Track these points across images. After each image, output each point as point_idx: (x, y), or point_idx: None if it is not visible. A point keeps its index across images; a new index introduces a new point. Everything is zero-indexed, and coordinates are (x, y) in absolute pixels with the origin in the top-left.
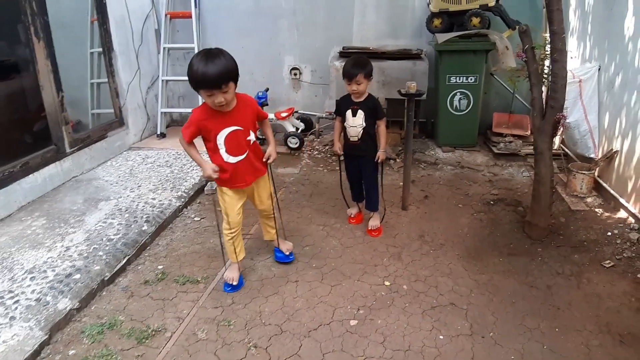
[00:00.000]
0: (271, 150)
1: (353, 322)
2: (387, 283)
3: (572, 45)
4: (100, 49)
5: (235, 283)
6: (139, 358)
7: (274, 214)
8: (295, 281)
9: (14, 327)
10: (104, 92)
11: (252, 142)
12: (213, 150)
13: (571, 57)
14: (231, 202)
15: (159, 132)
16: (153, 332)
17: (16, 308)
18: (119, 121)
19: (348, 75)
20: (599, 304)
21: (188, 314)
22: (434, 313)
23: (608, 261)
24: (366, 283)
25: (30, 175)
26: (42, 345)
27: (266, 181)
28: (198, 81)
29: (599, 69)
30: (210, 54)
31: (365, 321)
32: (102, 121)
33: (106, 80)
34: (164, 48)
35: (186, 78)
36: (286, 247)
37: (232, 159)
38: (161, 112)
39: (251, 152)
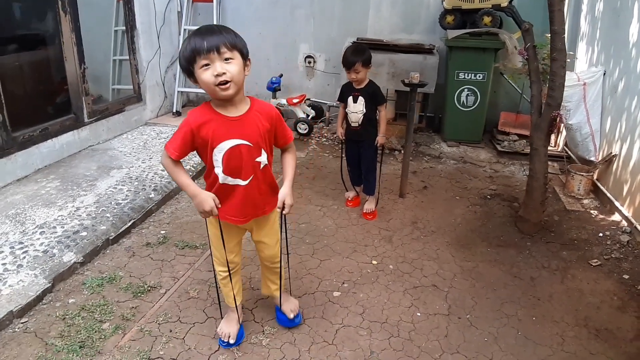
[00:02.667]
0: (286, 192)
1: (336, 294)
2: (374, 262)
3: (581, 49)
4: (124, 27)
5: (232, 341)
6: (133, 309)
7: (280, 265)
8: (286, 254)
9: (21, 273)
10: (125, 68)
11: (262, 165)
12: (208, 171)
13: (576, 58)
14: (220, 238)
15: (174, 110)
16: (149, 288)
17: (24, 257)
18: (137, 97)
19: (347, 63)
20: (580, 299)
21: (183, 275)
22: (415, 292)
23: (595, 260)
24: (354, 261)
25: (48, 141)
26: (45, 292)
27: (273, 222)
28: (191, 49)
29: (604, 74)
30: (211, 26)
31: (348, 294)
32: (121, 96)
33: (127, 57)
34: (185, 29)
35: None
36: (290, 307)
37: (230, 181)
38: (178, 91)
39: (259, 179)
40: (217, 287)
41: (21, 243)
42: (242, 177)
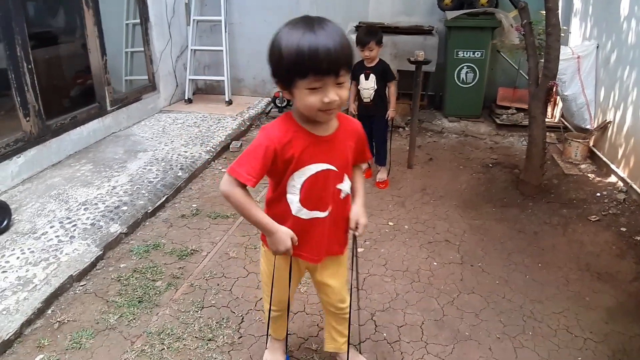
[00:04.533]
0: (360, 210)
1: (360, 250)
2: (390, 223)
3: (575, 24)
4: (135, 21)
5: None
6: (180, 269)
7: (349, 313)
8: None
9: (74, 243)
10: (137, 60)
11: (343, 194)
12: (276, 197)
13: (570, 33)
14: (282, 274)
15: (186, 98)
16: (191, 251)
17: (74, 230)
18: (152, 86)
19: (361, 42)
20: (581, 248)
21: (220, 240)
22: (430, 246)
23: (594, 216)
24: (372, 223)
25: (77, 128)
26: (98, 259)
27: (342, 263)
28: (306, 58)
29: (597, 47)
30: (318, 20)
31: (371, 249)
32: (134, 87)
33: (139, 49)
34: (194, 20)
35: (212, 47)
36: None
37: (306, 214)
38: (189, 79)
39: (338, 210)
40: (268, 321)
41: (68, 218)
42: (321, 209)
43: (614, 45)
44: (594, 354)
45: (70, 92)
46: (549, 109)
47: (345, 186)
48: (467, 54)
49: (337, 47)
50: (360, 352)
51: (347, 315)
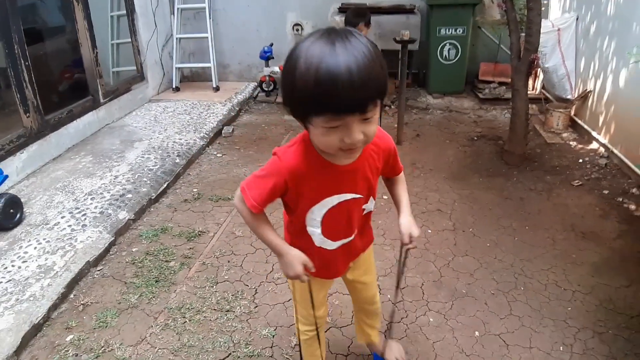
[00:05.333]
0: (410, 221)
1: None
2: (385, 197)
3: None
4: (120, 12)
5: None
6: (190, 250)
7: (379, 308)
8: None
9: (87, 231)
10: (122, 52)
11: (366, 211)
12: (295, 227)
13: (549, 6)
14: (308, 295)
15: (174, 86)
16: (199, 233)
17: (85, 219)
18: (140, 76)
19: (350, 23)
20: (566, 211)
21: (224, 221)
22: (423, 216)
23: (577, 181)
24: None
25: (74, 122)
26: (110, 245)
27: (370, 259)
28: (322, 92)
29: (577, 19)
30: (343, 37)
31: None
32: (121, 78)
33: (124, 40)
34: (178, 8)
35: (197, 35)
36: (396, 354)
37: (330, 245)
38: (176, 68)
39: (361, 227)
40: (299, 347)
41: (77, 208)
42: (347, 236)
43: (593, 17)
44: (582, 304)
45: (64, 86)
46: (531, 82)
47: (369, 205)
48: (449, 31)
49: (364, 77)
50: (391, 337)
51: (379, 310)
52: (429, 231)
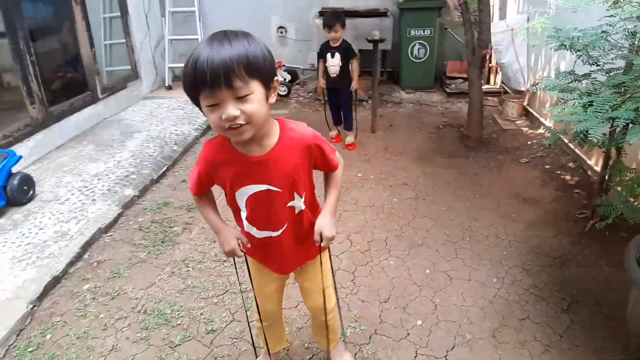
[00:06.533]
0: (324, 222)
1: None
2: (359, 174)
3: (510, 1)
4: (112, 14)
5: None
6: (191, 218)
7: (326, 319)
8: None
9: (97, 204)
10: (115, 52)
11: (297, 210)
12: (232, 207)
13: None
14: (260, 279)
15: (167, 84)
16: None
17: (94, 195)
18: (135, 74)
19: (328, 24)
20: (512, 182)
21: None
22: (391, 189)
23: (524, 159)
24: (344, 175)
25: (75, 114)
26: (119, 216)
27: (316, 268)
28: (191, 80)
29: (528, 20)
30: (226, 35)
31: (344, 193)
32: (115, 77)
33: (117, 41)
34: (169, 11)
35: (187, 36)
36: None
37: (257, 233)
38: (168, 67)
39: (295, 227)
40: (259, 333)
41: (86, 187)
42: (272, 229)
43: (540, 17)
44: (516, 250)
45: (65, 82)
46: (492, 77)
47: (297, 203)
48: (418, 32)
49: (227, 57)
50: (345, 342)
51: (331, 323)
52: (395, 200)
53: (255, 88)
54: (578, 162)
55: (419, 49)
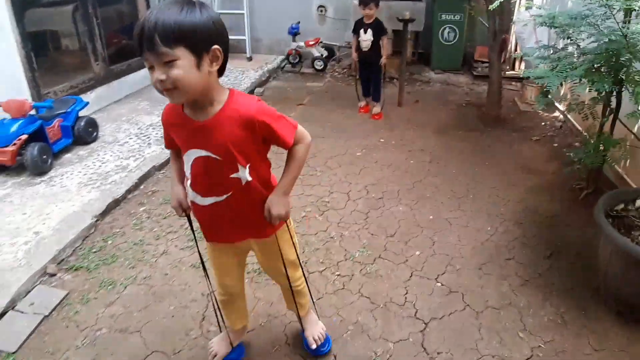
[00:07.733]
0: (272, 200)
1: (358, 153)
2: (381, 140)
3: None
4: None
5: None
6: None
7: (291, 288)
8: (322, 137)
9: (152, 147)
10: None
11: (244, 182)
12: (184, 176)
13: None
14: (215, 258)
15: None
16: None
17: (149, 140)
18: None
19: (363, 2)
20: (520, 155)
21: None
22: (409, 153)
23: (536, 137)
24: (368, 140)
25: (132, 74)
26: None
27: (274, 246)
28: (134, 38)
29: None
30: (174, 3)
31: (366, 154)
32: None
33: None
34: None
35: (234, 11)
36: (314, 334)
37: (200, 200)
38: None
39: (242, 197)
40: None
41: (142, 134)
42: (216, 194)
43: (561, 9)
44: (513, 207)
45: (125, 45)
46: (517, 64)
47: (242, 174)
48: (448, 16)
49: (154, 23)
50: (316, 312)
51: (299, 289)
52: (411, 162)
53: (183, 54)
54: (584, 141)
55: (449, 32)
